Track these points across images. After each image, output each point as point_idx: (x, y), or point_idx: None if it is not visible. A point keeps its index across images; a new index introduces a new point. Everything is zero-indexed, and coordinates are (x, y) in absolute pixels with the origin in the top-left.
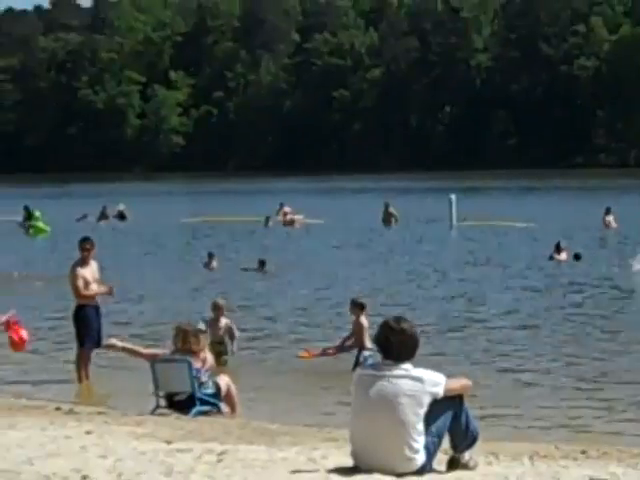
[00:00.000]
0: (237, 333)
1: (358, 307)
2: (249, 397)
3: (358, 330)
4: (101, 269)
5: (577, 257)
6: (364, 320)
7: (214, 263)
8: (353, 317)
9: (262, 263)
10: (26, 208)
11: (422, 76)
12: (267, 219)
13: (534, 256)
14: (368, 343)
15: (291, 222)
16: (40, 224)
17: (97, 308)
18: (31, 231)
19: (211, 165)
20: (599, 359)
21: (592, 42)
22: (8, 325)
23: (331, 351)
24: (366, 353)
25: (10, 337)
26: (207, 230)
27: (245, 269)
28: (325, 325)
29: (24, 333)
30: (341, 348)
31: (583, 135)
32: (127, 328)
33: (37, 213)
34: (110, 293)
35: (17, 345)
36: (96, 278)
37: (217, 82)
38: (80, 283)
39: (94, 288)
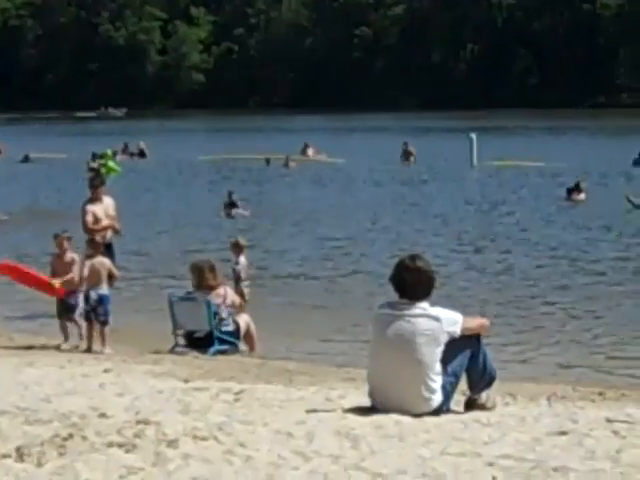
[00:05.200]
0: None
1: None
2: (267, 336)
3: None
4: (119, 207)
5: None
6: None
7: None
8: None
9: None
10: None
11: (444, 14)
12: (268, 160)
13: (553, 196)
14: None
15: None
16: (111, 163)
17: (109, 245)
18: (103, 170)
19: (232, 102)
20: (619, 303)
21: None
22: None
23: None
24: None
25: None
26: (225, 168)
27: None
28: (340, 264)
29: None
30: None
31: (605, 75)
32: (143, 264)
33: (109, 152)
34: (114, 228)
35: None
36: (110, 214)
37: (238, 19)
38: (89, 218)
39: (104, 224)
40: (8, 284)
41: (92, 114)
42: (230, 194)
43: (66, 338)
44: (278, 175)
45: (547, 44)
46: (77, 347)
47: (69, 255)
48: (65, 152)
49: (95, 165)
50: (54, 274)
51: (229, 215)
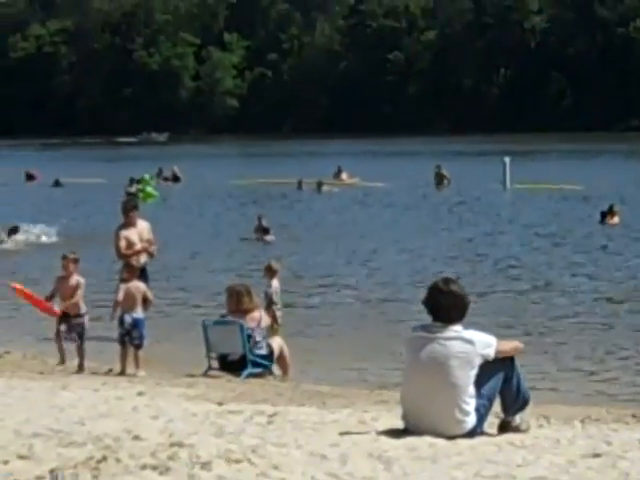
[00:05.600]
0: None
1: None
2: (300, 359)
3: None
4: (154, 230)
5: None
6: None
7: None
8: None
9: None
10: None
11: (476, 38)
12: (300, 184)
13: (587, 220)
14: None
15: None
16: (149, 189)
17: (143, 269)
18: (140, 195)
19: (266, 127)
20: None
21: None
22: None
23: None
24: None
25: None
26: (257, 193)
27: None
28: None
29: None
30: None
31: (638, 98)
32: (177, 288)
33: (147, 176)
34: (148, 252)
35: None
36: (146, 238)
37: (271, 44)
38: (122, 243)
39: (137, 249)
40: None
41: (134, 139)
42: (260, 218)
43: (63, 360)
44: (310, 199)
45: (580, 68)
46: (111, 370)
47: (75, 278)
48: (98, 177)
49: (133, 190)
50: (52, 296)
51: (261, 239)
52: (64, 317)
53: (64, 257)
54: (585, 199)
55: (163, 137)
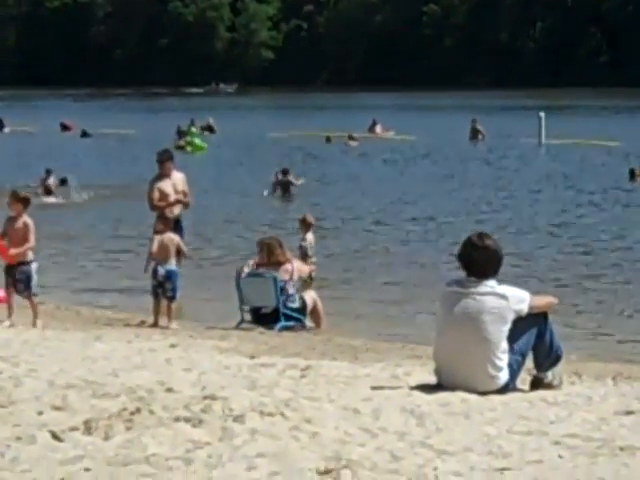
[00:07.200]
0: (310, 252)
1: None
2: (332, 313)
3: None
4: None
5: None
6: None
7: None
8: None
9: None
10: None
11: None
12: (328, 138)
13: (618, 176)
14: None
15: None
16: (197, 141)
17: (177, 221)
18: (189, 149)
19: (300, 80)
20: None
21: None
22: None
23: None
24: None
25: None
26: (289, 145)
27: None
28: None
29: None
30: None
31: None
32: (210, 241)
33: (194, 129)
34: (181, 202)
35: None
36: (180, 190)
37: None
38: (154, 195)
39: (171, 200)
40: (73, 259)
41: (200, 90)
42: (276, 173)
43: (10, 314)
44: (340, 153)
45: (617, 22)
46: (144, 322)
47: (22, 220)
48: (130, 127)
49: (182, 143)
50: (2, 237)
51: (287, 191)
52: (9, 267)
53: (11, 195)
54: (620, 155)
55: (231, 88)
